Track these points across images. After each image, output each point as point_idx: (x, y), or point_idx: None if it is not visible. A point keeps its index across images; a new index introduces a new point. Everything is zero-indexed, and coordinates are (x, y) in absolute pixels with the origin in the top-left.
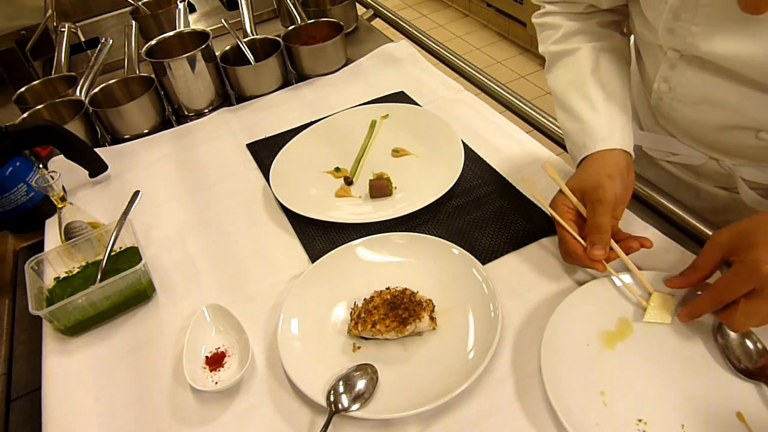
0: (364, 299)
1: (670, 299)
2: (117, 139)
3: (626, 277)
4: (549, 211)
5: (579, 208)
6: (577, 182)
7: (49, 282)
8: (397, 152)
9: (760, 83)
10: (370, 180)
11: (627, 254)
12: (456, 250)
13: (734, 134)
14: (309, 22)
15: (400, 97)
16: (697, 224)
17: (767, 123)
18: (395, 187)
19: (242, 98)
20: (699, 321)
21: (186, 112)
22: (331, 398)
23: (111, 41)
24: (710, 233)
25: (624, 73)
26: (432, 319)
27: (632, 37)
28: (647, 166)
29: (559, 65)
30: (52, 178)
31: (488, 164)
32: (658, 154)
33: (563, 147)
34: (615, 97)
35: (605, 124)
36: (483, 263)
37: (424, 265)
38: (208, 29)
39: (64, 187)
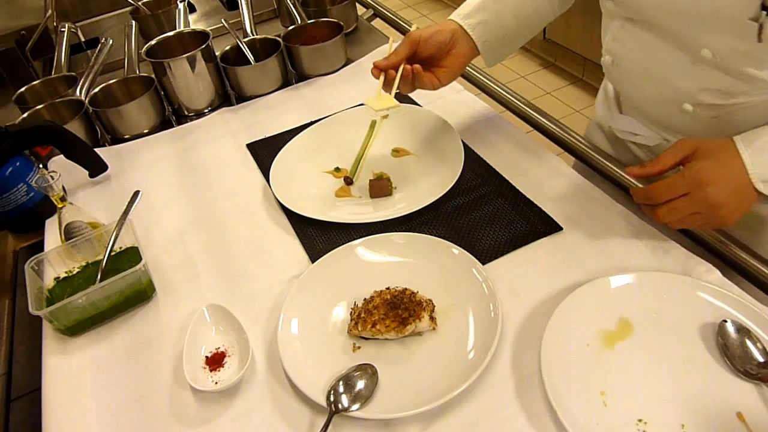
0: (364, 299)
1: (390, 100)
2: (117, 139)
3: (626, 278)
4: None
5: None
6: None
7: (49, 282)
8: (397, 152)
9: (679, 44)
10: (370, 180)
11: (404, 74)
12: (456, 250)
13: (667, 107)
14: (309, 22)
15: (400, 97)
16: None
17: (688, 94)
18: (395, 187)
19: (242, 98)
20: (699, 321)
21: (186, 112)
22: (331, 398)
23: (111, 41)
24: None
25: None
26: (432, 319)
27: None
28: (622, 151)
29: None
30: (52, 178)
31: (488, 164)
32: (623, 135)
33: (563, 146)
34: None
35: (468, 6)
36: (483, 263)
37: (424, 265)
38: (208, 29)
39: (64, 187)
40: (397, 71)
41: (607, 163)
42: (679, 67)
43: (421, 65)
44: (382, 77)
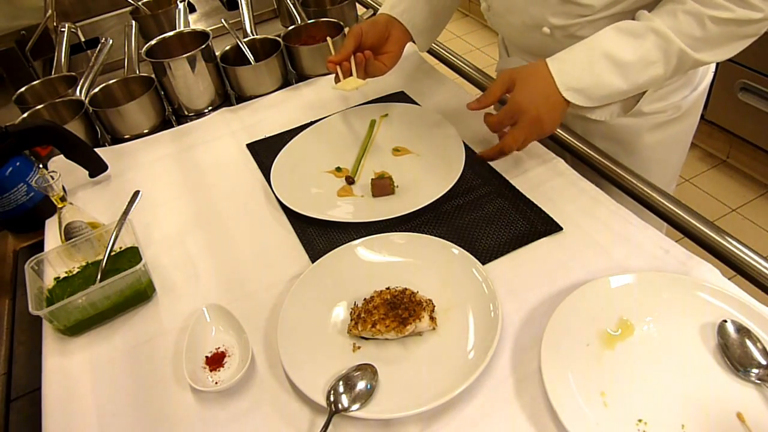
0: (364, 299)
1: (359, 80)
2: (117, 139)
3: (626, 278)
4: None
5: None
6: None
7: (49, 282)
8: (397, 151)
9: None
10: (372, 179)
11: (357, 61)
12: (456, 250)
13: (532, 34)
14: (309, 22)
15: (400, 97)
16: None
17: (543, 18)
18: (397, 186)
19: (242, 98)
20: (699, 321)
21: (186, 112)
22: (331, 398)
23: (111, 41)
24: (661, 200)
25: None
26: (432, 319)
27: None
28: None
29: None
30: (52, 178)
31: (488, 164)
32: None
33: (562, 146)
34: None
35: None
36: (483, 263)
37: (424, 265)
38: (208, 29)
39: (64, 187)
40: (350, 62)
41: (608, 163)
42: (531, 2)
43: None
44: (338, 69)
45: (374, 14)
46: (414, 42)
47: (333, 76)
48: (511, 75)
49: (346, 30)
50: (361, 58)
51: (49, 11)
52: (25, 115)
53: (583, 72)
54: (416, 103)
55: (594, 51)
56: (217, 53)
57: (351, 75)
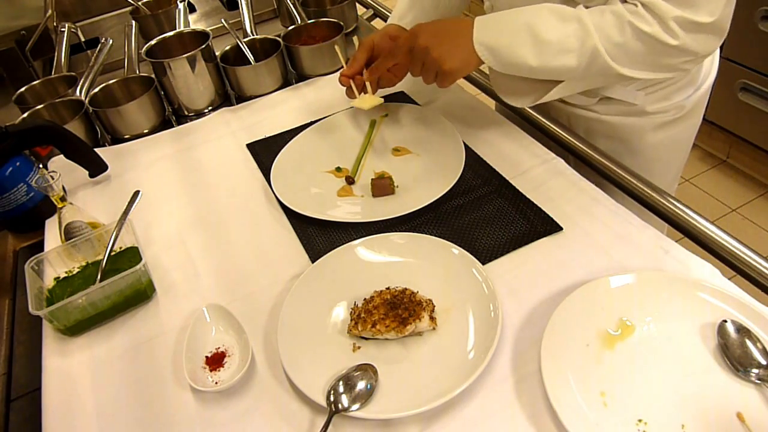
0: (364, 299)
1: (376, 98)
2: (117, 139)
3: (626, 278)
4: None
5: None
6: None
7: (49, 282)
8: (398, 151)
9: None
10: (372, 179)
11: (371, 76)
12: (456, 250)
13: None
14: (309, 22)
15: (400, 97)
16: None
17: None
18: (397, 186)
19: (242, 98)
20: (699, 321)
21: (186, 112)
22: (331, 398)
23: (111, 41)
24: (661, 200)
25: None
26: (432, 319)
27: None
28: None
29: None
30: (52, 178)
31: (488, 164)
32: None
33: (563, 146)
34: None
35: (400, 9)
36: (483, 263)
37: (424, 265)
38: (208, 29)
39: (64, 187)
40: (362, 75)
41: (608, 164)
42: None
43: None
44: (352, 83)
45: (374, 14)
46: None
47: (334, 76)
48: (421, 25)
49: (349, 35)
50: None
51: (49, 11)
52: (25, 115)
53: (501, 34)
54: (416, 103)
55: (519, 19)
56: (217, 53)
57: (364, 87)
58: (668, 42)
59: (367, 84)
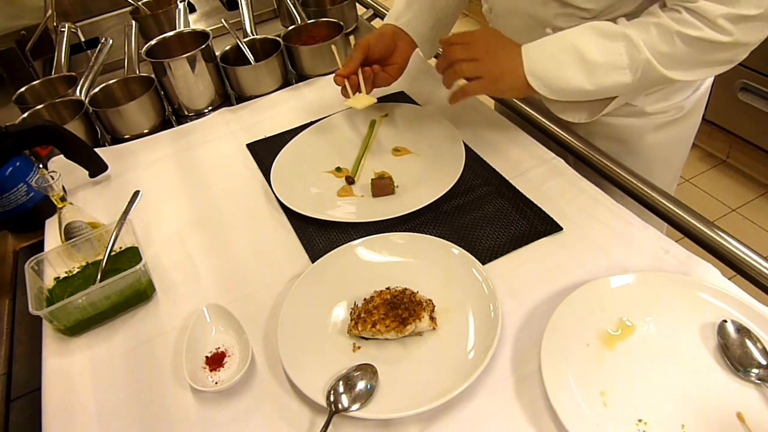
0: (364, 299)
1: (370, 98)
2: (117, 139)
3: (626, 278)
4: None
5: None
6: None
7: (49, 282)
8: (398, 151)
9: None
10: (372, 179)
11: (365, 76)
12: (456, 250)
13: (534, 34)
14: (309, 22)
15: (400, 97)
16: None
17: (546, 20)
18: (397, 186)
19: (242, 98)
20: (699, 321)
21: (186, 112)
22: (331, 398)
23: (111, 41)
24: (661, 200)
25: None
26: (432, 319)
27: None
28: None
29: None
30: (52, 178)
31: (488, 164)
32: None
33: (563, 146)
34: None
35: (396, 9)
36: (483, 263)
37: (424, 265)
38: (208, 29)
39: (64, 187)
40: (357, 75)
41: (608, 163)
42: (534, 6)
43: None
44: (346, 82)
45: (374, 14)
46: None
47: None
48: (487, 31)
49: (349, 34)
50: (369, 73)
51: (49, 11)
52: (25, 115)
53: (548, 62)
54: (416, 103)
55: (564, 44)
56: (217, 53)
57: (358, 88)
58: (721, 40)
59: (362, 83)
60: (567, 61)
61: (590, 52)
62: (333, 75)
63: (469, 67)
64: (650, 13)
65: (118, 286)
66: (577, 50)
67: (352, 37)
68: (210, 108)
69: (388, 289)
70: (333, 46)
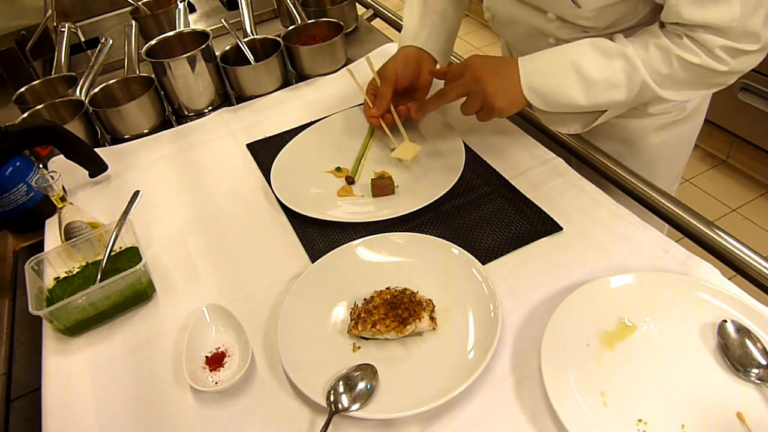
0: (364, 299)
1: (415, 147)
2: (117, 139)
3: (626, 278)
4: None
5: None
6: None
7: (49, 282)
8: None
9: (533, 9)
10: (372, 179)
11: (401, 116)
12: (456, 250)
13: (537, 43)
14: (309, 22)
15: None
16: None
17: (549, 32)
18: (397, 186)
19: (242, 98)
20: (699, 321)
21: (186, 112)
22: (331, 398)
23: (111, 41)
24: (661, 200)
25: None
26: (432, 319)
27: None
28: None
29: None
30: (52, 178)
31: (488, 164)
32: None
33: (563, 146)
34: (429, 10)
35: (411, 28)
36: (483, 263)
37: (424, 265)
38: (208, 29)
39: (64, 187)
40: (391, 112)
41: (608, 164)
42: (536, 19)
43: (401, 94)
44: (383, 124)
45: (374, 14)
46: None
47: (334, 76)
48: (476, 58)
49: (349, 34)
50: (405, 113)
51: (49, 11)
52: (25, 115)
53: (547, 76)
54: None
55: (563, 59)
56: (217, 53)
57: (393, 122)
58: (717, 69)
59: (402, 130)
60: (565, 77)
61: (589, 69)
62: (338, 75)
63: (467, 104)
64: (650, 32)
65: (118, 286)
66: (576, 66)
67: (367, 60)
68: (210, 108)
69: (388, 289)
70: (348, 70)
